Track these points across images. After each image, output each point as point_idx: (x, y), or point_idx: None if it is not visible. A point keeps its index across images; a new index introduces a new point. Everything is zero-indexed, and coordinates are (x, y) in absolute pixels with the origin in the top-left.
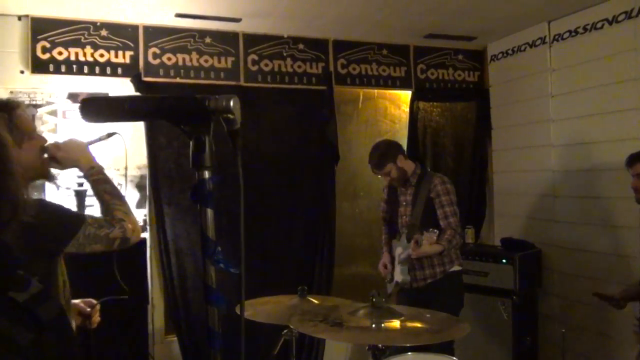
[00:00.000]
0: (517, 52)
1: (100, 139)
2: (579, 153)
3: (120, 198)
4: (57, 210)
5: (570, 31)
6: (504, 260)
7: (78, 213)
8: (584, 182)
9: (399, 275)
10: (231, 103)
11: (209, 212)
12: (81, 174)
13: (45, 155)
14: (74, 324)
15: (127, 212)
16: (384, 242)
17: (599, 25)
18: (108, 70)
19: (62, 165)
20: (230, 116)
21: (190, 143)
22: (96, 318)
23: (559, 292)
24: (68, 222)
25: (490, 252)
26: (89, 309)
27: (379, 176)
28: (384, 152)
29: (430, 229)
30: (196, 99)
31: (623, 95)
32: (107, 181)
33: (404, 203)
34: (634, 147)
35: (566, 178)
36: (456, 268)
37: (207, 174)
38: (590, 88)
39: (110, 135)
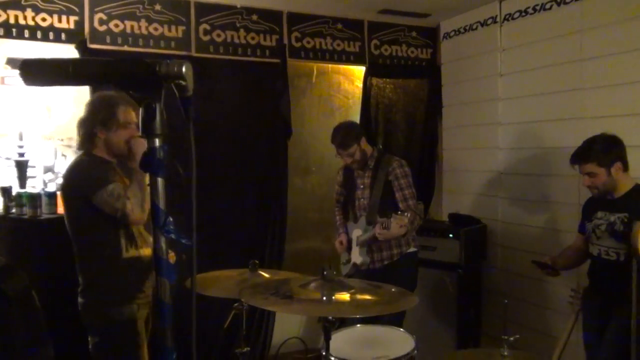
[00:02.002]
0: (469, 30)
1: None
2: (524, 131)
3: (141, 187)
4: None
5: (520, 11)
6: (450, 235)
7: (103, 180)
8: (527, 159)
9: (357, 257)
10: (183, 69)
11: (160, 181)
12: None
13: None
14: None
15: (135, 196)
16: (339, 223)
17: (547, 6)
18: (51, 35)
19: (132, 157)
20: (182, 82)
21: (140, 110)
22: None
23: (502, 265)
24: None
25: (438, 227)
26: None
27: (339, 157)
28: (349, 132)
29: (400, 212)
30: (146, 64)
31: (568, 75)
32: (141, 173)
33: (362, 186)
34: (577, 127)
35: (511, 156)
36: (412, 249)
37: (157, 142)
38: (537, 68)
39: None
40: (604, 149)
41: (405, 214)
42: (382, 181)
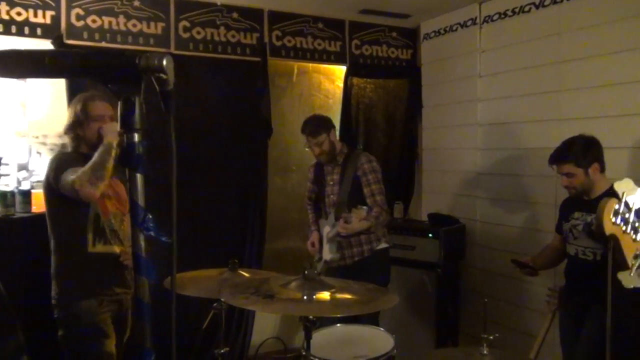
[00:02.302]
0: (449, 31)
1: None
2: (503, 132)
3: (92, 164)
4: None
5: (499, 13)
6: (430, 235)
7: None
8: (506, 160)
9: (327, 254)
10: (164, 62)
11: (139, 178)
12: None
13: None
14: None
15: (85, 173)
16: (312, 221)
17: (527, 8)
18: (26, 30)
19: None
20: (163, 76)
21: (119, 103)
22: None
23: (480, 264)
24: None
25: (418, 226)
26: None
27: (308, 148)
28: (320, 121)
29: (359, 206)
30: (125, 56)
31: (546, 77)
32: (101, 152)
33: (331, 182)
34: (555, 128)
35: (490, 156)
36: (383, 245)
37: (136, 137)
38: (516, 70)
39: None
40: (582, 150)
41: (363, 207)
42: (350, 177)
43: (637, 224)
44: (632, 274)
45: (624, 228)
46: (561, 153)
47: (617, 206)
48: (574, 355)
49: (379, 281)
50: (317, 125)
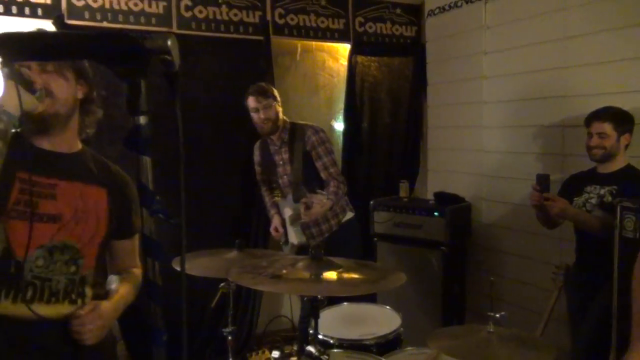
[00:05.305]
0: (454, 7)
1: None
2: (508, 109)
3: None
4: None
5: None
6: (436, 213)
7: None
8: (511, 137)
9: (293, 237)
10: (168, 43)
11: (146, 160)
12: None
13: None
14: None
15: None
16: (269, 205)
17: None
18: (27, 10)
19: None
20: (168, 57)
21: (125, 86)
22: None
23: (486, 243)
24: None
25: (423, 205)
26: None
27: (254, 113)
28: (269, 88)
29: (317, 191)
30: (131, 37)
31: (553, 53)
32: None
33: (281, 162)
34: (561, 105)
35: (495, 134)
36: (349, 215)
37: (142, 120)
38: (522, 46)
39: None
40: (622, 116)
41: (322, 192)
42: (300, 153)
43: None
44: None
45: None
46: (603, 112)
47: None
48: (580, 333)
49: (355, 254)
50: (265, 89)
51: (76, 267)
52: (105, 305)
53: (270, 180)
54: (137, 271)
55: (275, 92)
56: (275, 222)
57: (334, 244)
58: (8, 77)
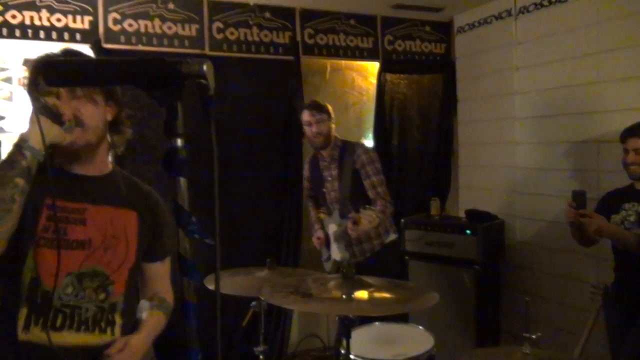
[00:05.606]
0: (483, 24)
1: None
2: (541, 125)
3: None
4: None
5: (535, 4)
6: (468, 232)
7: None
8: (545, 154)
9: (336, 253)
10: (204, 67)
11: (182, 182)
12: None
13: None
14: None
15: None
16: (314, 219)
17: None
18: (66, 35)
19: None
20: (203, 81)
21: (163, 110)
22: None
23: (520, 262)
24: None
25: (455, 223)
26: None
27: (308, 127)
28: (325, 104)
29: (367, 207)
30: (168, 63)
31: (585, 68)
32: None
33: (330, 178)
34: (595, 120)
35: (528, 150)
36: (392, 237)
37: (179, 142)
38: (554, 61)
39: None
40: None
41: (373, 208)
42: (349, 170)
43: None
44: None
45: None
46: (638, 128)
47: None
48: (622, 355)
49: (394, 275)
50: (321, 104)
51: (105, 294)
52: (136, 342)
53: (318, 196)
54: (169, 296)
55: (330, 110)
56: (319, 232)
57: (375, 265)
58: (34, 110)
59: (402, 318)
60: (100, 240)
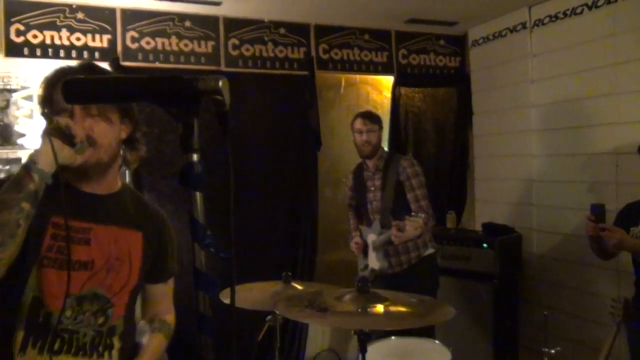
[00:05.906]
0: (498, 37)
1: None
2: (557, 138)
3: None
4: None
5: (550, 16)
6: (485, 245)
7: None
8: (561, 166)
9: (374, 262)
10: (220, 84)
11: (198, 196)
12: None
13: None
14: None
15: None
16: (353, 227)
17: (578, 10)
18: (85, 54)
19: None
20: (219, 97)
21: (179, 126)
22: None
23: (538, 275)
24: None
25: (472, 236)
26: None
27: (358, 134)
28: (378, 115)
29: (414, 213)
30: (185, 80)
31: (602, 80)
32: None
33: (372, 188)
34: (611, 133)
35: (545, 163)
36: (430, 251)
37: (195, 157)
38: (569, 73)
39: None
40: None
41: (420, 215)
42: (393, 182)
43: None
44: None
45: None
46: None
47: None
48: None
49: (428, 288)
50: (374, 114)
51: (105, 318)
52: None
53: (359, 205)
54: (170, 317)
55: (382, 121)
56: (357, 238)
57: (412, 277)
58: (46, 132)
59: (427, 332)
60: (103, 262)
